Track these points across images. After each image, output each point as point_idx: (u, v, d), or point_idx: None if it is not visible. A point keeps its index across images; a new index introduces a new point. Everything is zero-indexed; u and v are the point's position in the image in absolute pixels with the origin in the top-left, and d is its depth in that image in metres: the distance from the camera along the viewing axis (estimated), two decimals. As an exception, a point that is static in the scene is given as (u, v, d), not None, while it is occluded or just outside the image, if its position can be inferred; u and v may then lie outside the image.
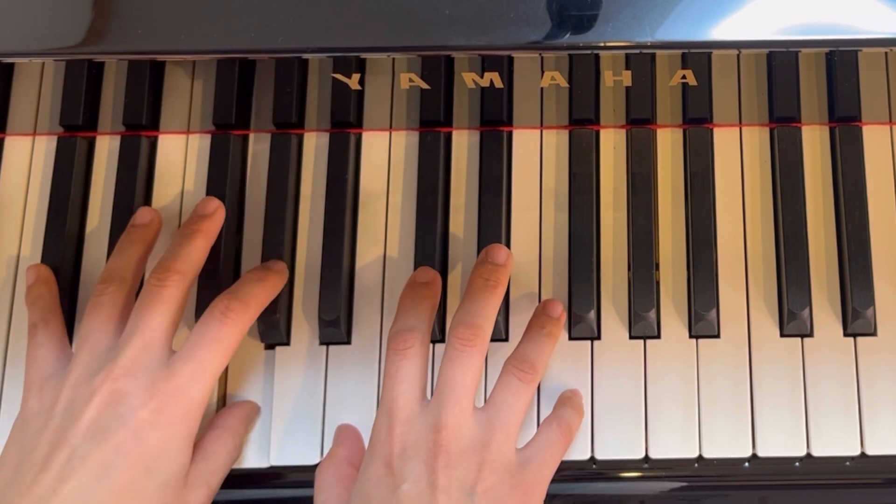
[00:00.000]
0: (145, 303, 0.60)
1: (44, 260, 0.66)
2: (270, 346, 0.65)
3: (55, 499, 0.54)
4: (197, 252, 0.62)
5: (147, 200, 0.67)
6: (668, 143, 0.67)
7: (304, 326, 0.65)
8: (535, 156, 0.67)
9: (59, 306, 0.64)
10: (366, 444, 0.62)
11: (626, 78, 0.65)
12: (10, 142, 0.69)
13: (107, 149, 0.68)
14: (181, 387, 0.58)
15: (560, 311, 0.63)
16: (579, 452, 0.62)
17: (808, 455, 0.62)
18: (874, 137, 0.67)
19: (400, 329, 0.61)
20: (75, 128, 0.68)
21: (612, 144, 0.67)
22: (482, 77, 0.64)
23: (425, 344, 0.61)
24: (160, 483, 0.57)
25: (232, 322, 0.60)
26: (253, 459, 0.63)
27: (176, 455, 0.58)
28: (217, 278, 0.65)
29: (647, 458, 0.62)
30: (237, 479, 0.63)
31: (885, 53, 0.65)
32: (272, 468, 0.63)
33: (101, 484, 0.55)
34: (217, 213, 0.64)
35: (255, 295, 0.61)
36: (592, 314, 0.64)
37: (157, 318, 0.59)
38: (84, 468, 0.55)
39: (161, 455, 0.57)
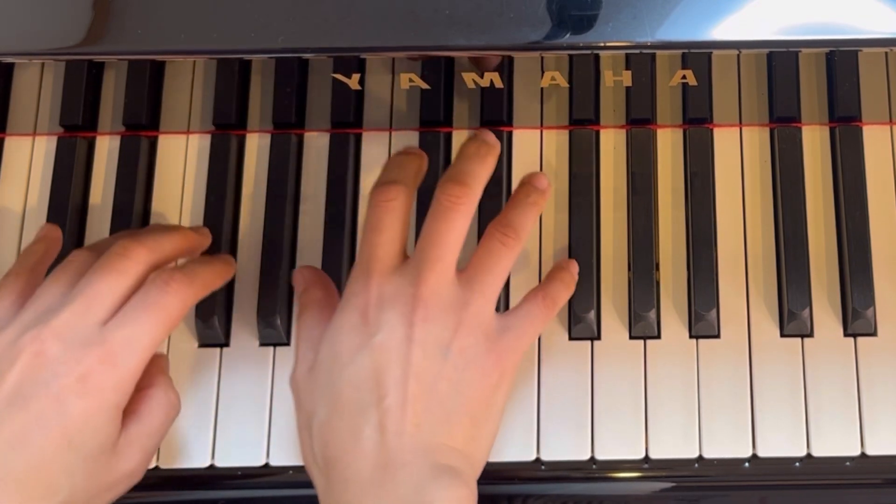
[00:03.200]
0: (94, 269, 0.56)
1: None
2: (268, 345, 0.65)
3: None
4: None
5: (147, 200, 0.67)
6: (668, 143, 0.67)
7: (304, 326, 0.65)
8: (535, 156, 0.67)
9: (43, 269, 0.61)
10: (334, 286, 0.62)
11: (626, 78, 0.65)
12: (10, 142, 0.69)
13: (107, 149, 0.68)
14: (112, 353, 0.54)
15: (546, 183, 0.62)
16: (579, 452, 0.62)
17: (808, 455, 0.62)
18: (874, 137, 0.67)
19: (383, 181, 0.59)
20: (75, 128, 0.68)
21: (612, 144, 0.67)
22: (482, 77, 0.64)
23: (409, 200, 0.59)
24: (83, 455, 0.53)
25: (174, 291, 0.56)
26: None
27: (102, 426, 0.54)
28: (217, 278, 0.65)
29: (647, 458, 0.62)
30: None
31: (885, 53, 0.65)
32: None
33: (17, 454, 0.52)
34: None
35: (199, 273, 0.58)
36: (592, 314, 0.64)
37: (105, 284, 0.55)
38: None
39: (85, 426, 0.53)
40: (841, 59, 0.65)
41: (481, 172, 0.60)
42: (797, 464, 0.62)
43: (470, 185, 0.58)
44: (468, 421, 0.55)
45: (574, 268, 0.62)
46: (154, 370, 0.58)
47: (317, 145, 0.68)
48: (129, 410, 0.56)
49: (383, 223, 0.58)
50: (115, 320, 0.55)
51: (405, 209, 0.59)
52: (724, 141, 0.67)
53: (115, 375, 0.54)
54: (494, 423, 0.58)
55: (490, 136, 0.61)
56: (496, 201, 0.65)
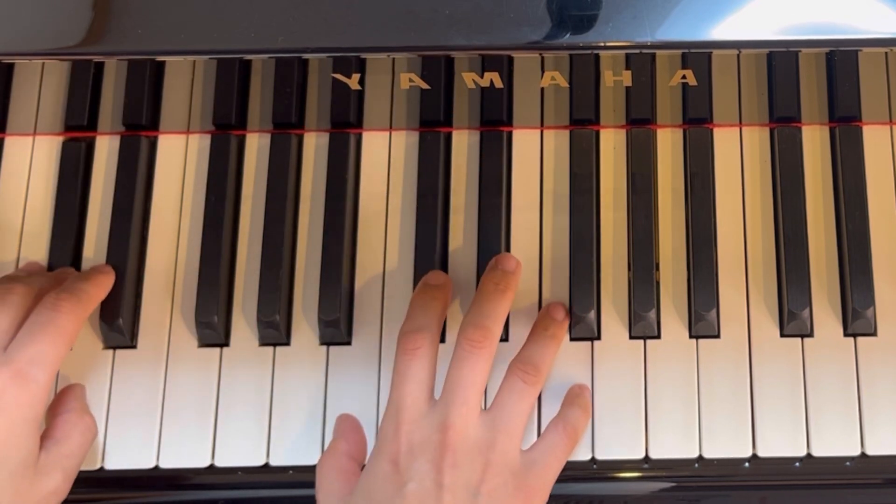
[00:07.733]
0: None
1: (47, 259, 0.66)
2: (268, 345, 0.65)
3: None
4: None
5: (147, 200, 0.67)
6: (668, 143, 0.67)
7: (304, 327, 0.65)
8: (535, 156, 0.67)
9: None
10: (367, 436, 0.63)
11: (626, 78, 0.65)
12: (10, 142, 0.69)
13: (107, 149, 0.68)
14: (21, 371, 0.57)
15: (563, 314, 0.64)
16: (580, 452, 0.62)
17: (808, 455, 0.62)
18: (874, 137, 0.67)
19: (410, 329, 0.61)
20: (75, 128, 0.68)
21: (612, 144, 0.67)
22: (482, 77, 0.64)
23: (434, 344, 0.61)
24: (8, 471, 0.56)
25: (65, 310, 0.60)
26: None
27: (23, 442, 0.57)
28: (216, 279, 0.65)
29: (647, 458, 0.62)
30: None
31: (885, 53, 0.65)
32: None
33: None
34: None
35: (83, 288, 0.62)
36: (592, 314, 0.64)
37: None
38: None
39: (7, 442, 0.56)
40: (841, 59, 0.65)
41: (500, 310, 0.62)
42: (797, 464, 0.62)
43: (489, 328, 0.60)
44: None
45: (587, 391, 0.63)
46: (69, 397, 0.63)
47: (317, 145, 0.68)
48: (48, 435, 0.60)
49: (410, 371, 0.60)
50: (16, 343, 0.59)
51: (431, 355, 0.61)
52: (724, 141, 0.67)
53: (27, 391, 0.57)
54: None
55: (510, 263, 0.64)
56: (496, 200, 0.66)
